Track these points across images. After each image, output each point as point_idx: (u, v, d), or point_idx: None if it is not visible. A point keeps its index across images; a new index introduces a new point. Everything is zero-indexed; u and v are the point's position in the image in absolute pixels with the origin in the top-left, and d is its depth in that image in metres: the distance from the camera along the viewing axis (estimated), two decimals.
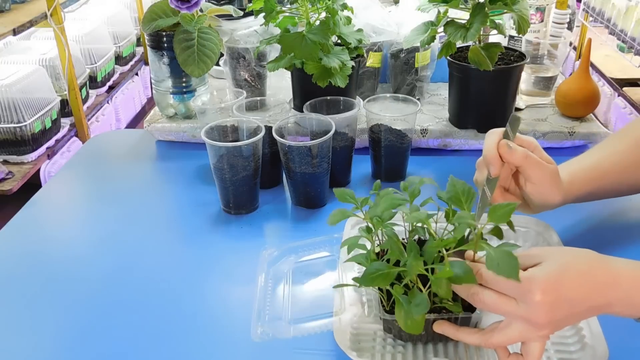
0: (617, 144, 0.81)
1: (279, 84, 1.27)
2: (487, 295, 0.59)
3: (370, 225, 0.66)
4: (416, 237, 0.67)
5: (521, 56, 1.10)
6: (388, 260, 0.63)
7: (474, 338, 0.61)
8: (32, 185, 1.94)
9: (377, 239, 0.68)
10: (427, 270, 0.61)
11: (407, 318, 0.60)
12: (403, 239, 0.68)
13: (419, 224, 0.66)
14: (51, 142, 2.36)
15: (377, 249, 0.68)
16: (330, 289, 0.71)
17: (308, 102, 1.01)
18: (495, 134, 0.71)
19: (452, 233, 0.63)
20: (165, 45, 1.13)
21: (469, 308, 0.64)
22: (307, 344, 0.69)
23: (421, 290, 0.62)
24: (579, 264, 0.59)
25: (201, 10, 1.11)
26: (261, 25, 1.13)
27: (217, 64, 1.22)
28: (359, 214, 0.67)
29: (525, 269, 0.58)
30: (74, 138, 2.51)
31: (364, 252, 0.65)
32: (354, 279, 0.64)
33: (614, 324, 0.66)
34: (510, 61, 1.09)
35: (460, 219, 0.62)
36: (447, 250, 0.62)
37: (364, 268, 0.63)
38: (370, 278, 0.61)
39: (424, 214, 0.64)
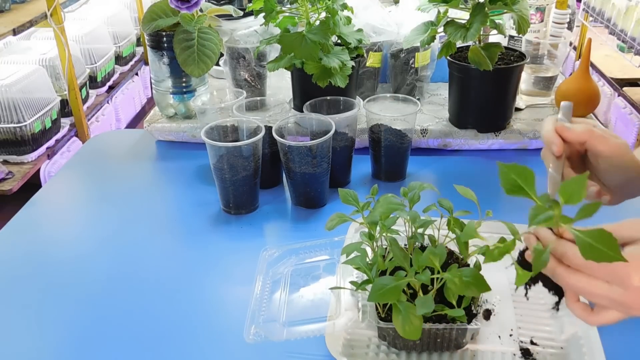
0: None
1: (279, 84, 1.27)
2: (576, 279, 0.54)
3: (370, 230, 0.66)
4: (417, 244, 0.67)
5: (521, 56, 1.10)
6: (386, 271, 0.62)
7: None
8: (32, 185, 1.94)
9: (377, 244, 0.67)
10: (438, 271, 0.59)
11: (405, 323, 0.58)
12: (404, 245, 0.67)
13: (420, 230, 0.65)
14: (51, 142, 2.35)
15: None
16: (328, 293, 0.70)
17: (308, 102, 1.01)
18: (550, 118, 0.67)
19: (455, 241, 0.62)
20: (165, 45, 1.13)
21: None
22: (301, 348, 0.69)
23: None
24: None
25: (201, 10, 1.11)
26: (261, 25, 1.13)
27: (217, 64, 1.22)
28: (358, 218, 0.67)
29: None
30: (74, 138, 2.51)
31: (361, 254, 0.65)
32: (351, 282, 0.64)
33: (614, 341, 0.65)
34: (510, 61, 1.09)
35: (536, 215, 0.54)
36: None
37: (362, 273, 0.63)
38: (378, 294, 0.59)
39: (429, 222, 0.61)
